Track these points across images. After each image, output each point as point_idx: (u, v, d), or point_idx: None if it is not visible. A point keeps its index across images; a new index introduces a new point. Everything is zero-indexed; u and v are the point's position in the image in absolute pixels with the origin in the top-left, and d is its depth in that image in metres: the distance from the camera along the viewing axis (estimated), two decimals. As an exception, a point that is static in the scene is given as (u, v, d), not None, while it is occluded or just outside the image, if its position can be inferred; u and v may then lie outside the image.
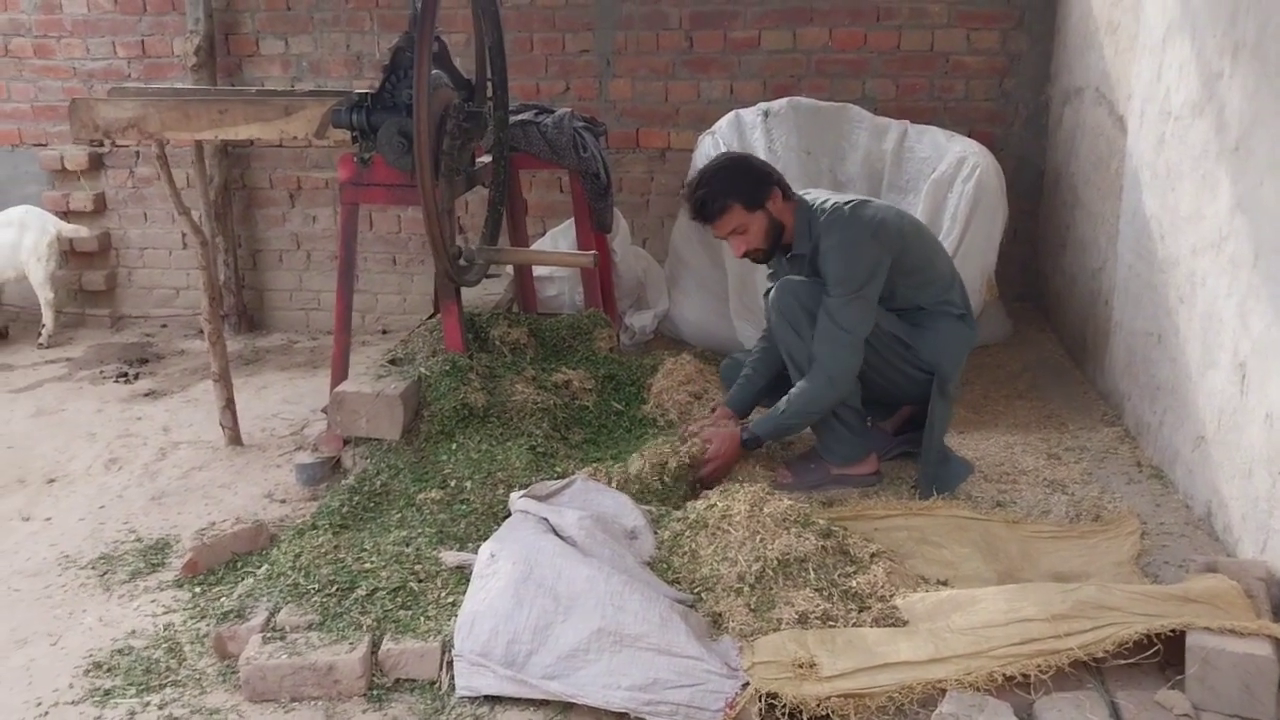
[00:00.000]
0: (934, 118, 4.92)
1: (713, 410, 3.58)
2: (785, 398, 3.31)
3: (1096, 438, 3.72)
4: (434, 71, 3.42)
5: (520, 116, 4.25)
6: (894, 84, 5.13)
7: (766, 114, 4.62)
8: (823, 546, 2.68)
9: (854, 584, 2.62)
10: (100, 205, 5.61)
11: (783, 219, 3.33)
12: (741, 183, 3.27)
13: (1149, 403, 3.57)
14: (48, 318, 5.33)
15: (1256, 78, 2.80)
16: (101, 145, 5.44)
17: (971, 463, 3.43)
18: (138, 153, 5.52)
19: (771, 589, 2.58)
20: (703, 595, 2.62)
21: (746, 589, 2.59)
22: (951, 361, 3.37)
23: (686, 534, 2.82)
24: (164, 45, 5.42)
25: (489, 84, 3.95)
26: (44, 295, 5.27)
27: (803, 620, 2.49)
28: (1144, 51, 3.70)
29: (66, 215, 5.56)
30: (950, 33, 5.05)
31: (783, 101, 4.69)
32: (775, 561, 2.62)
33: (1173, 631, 2.29)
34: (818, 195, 3.40)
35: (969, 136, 4.65)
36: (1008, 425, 3.85)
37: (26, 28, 5.47)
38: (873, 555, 2.75)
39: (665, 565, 2.76)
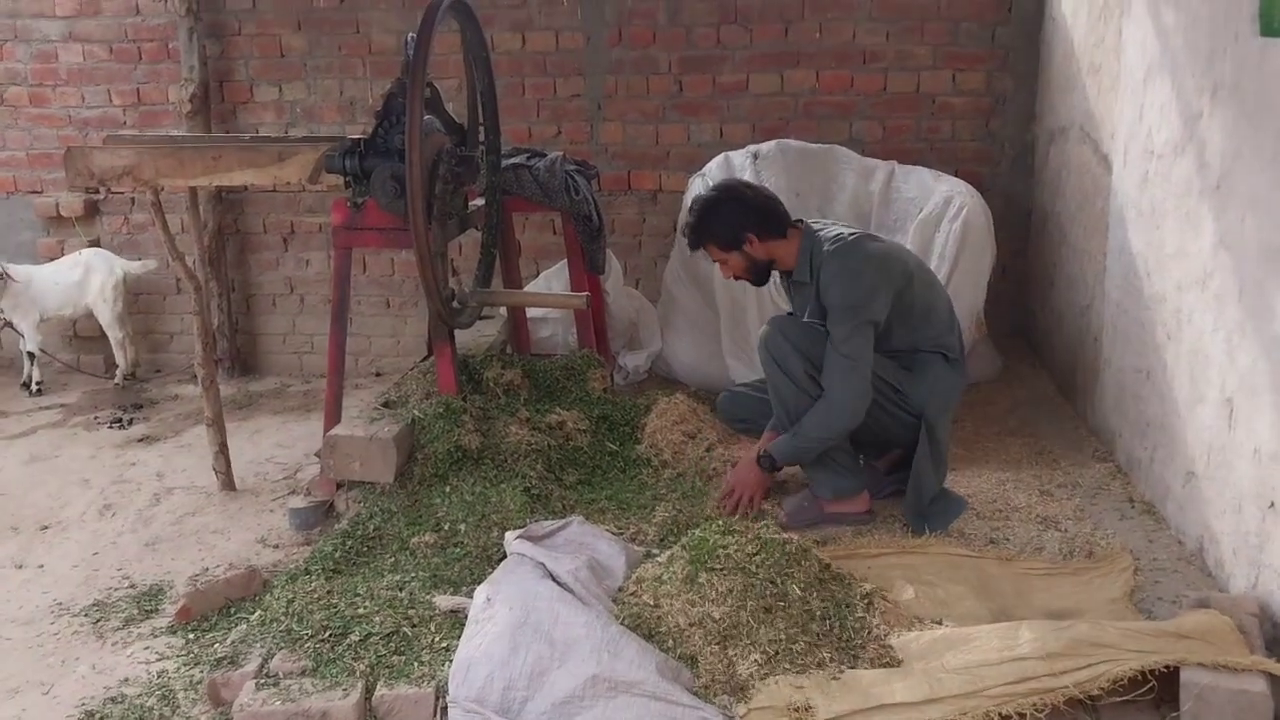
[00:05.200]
0: (921, 158, 4.98)
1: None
2: (798, 423, 3.31)
3: (1088, 474, 3.73)
4: (426, 117, 3.46)
5: (512, 160, 4.30)
6: (881, 125, 5.19)
7: (755, 156, 4.67)
8: (818, 585, 2.68)
9: (848, 624, 2.63)
10: (95, 251, 5.63)
11: (771, 255, 3.36)
12: (715, 225, 3.34)
13: (1139, 439, 3.58)
14: (119, 357, 5.41)
15: (1235, 117, 2.85)
16: (97, 192, 5.48)
17: (965, 500, 3.44)
18: (133, 199, 5.55)
19: (761, 631, 2.57)
20: (688, 638, 2.61)
21: (736, 634, 2.58)
22: (940, 407, 3.37)
23: (674, 571, 2.79)
24: (159, 93, 5.47)
25: (481, 129, 3.99)
26: (114, 335, 5.36)
27: (793, 662, 2.49)
28: (1126, 92, 3.76)
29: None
30: (936, 74, 5.12)
31: (771, 144, 4.74)
32: (763, 605, 2.62)
33: (1167, 668, 2.30)
34: (827, 226, 3.43)
35: (956, 176, 4.70)
36: (999, 462, 3.86)
37: (22, 76, 5.52)
38: (866, 594, 2.75)
39: (651, 605, 2.72)
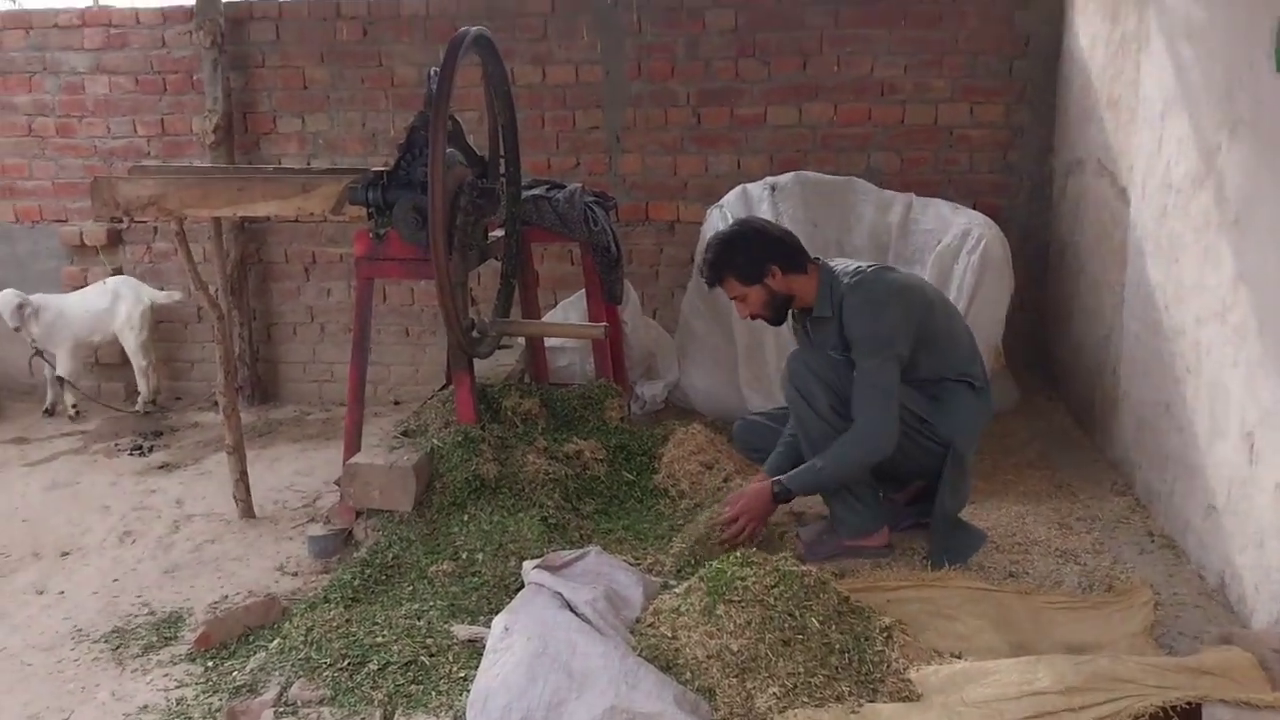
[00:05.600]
0: (939, 190, 5.00)
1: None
2: (822, 454, 3.26)
3: (1107, 507, 3.71)
4: (449, 149, 3.50)
5: (532, 192, 4.34)
6: (899, 157, 5.22)
7: (773, 188, 4.69)
8: (837, 617, 2.67)
9: (867, 657, 2.62)
10: (117, 280, 5.70)
11: (791, 289, 3.35)
12: (738, 259, 3.32)
13: (1159, 472, 3.57)
14: (142, 385, 5.49)
15: (1254, 152, 2.86)
16: (121, 222, 5.54)
17: (984, 533, 3.42)
18: (155, 228, 5.61)
19: (779, 663, 2.57)
20: (706, 670, 2.60)
21: (754, 667, 2.57)
22: (968, 436, 3.35)
23: (691, 602, 2.78)
24: (183, 124, 5.54)
25: (502, 161, 4.03)
26: (138, 362, 5.44)
27: (812, 695, 2.48)
28: (1144, 125, 3.77)
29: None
30: (954, 107, 5.14)
31: (789, 175, 4.77)
32: (782, 637, 2.61)
33: (1188, 704, 2.27)
34: (844, 262, 3.43)
35: (974, 208, 4.72)
36: (1018, 494, 3.85)
37: (50, 108, 5.61)
38: (885, 628, 2.74)
39: (669, 637, 2.72)
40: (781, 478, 3.33)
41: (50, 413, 5.42)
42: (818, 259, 3.41)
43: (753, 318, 3.46)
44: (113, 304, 5.34)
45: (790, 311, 3.47)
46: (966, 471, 3.38)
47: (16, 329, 5.25)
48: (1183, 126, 3.39)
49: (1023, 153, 5.18)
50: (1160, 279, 3.57)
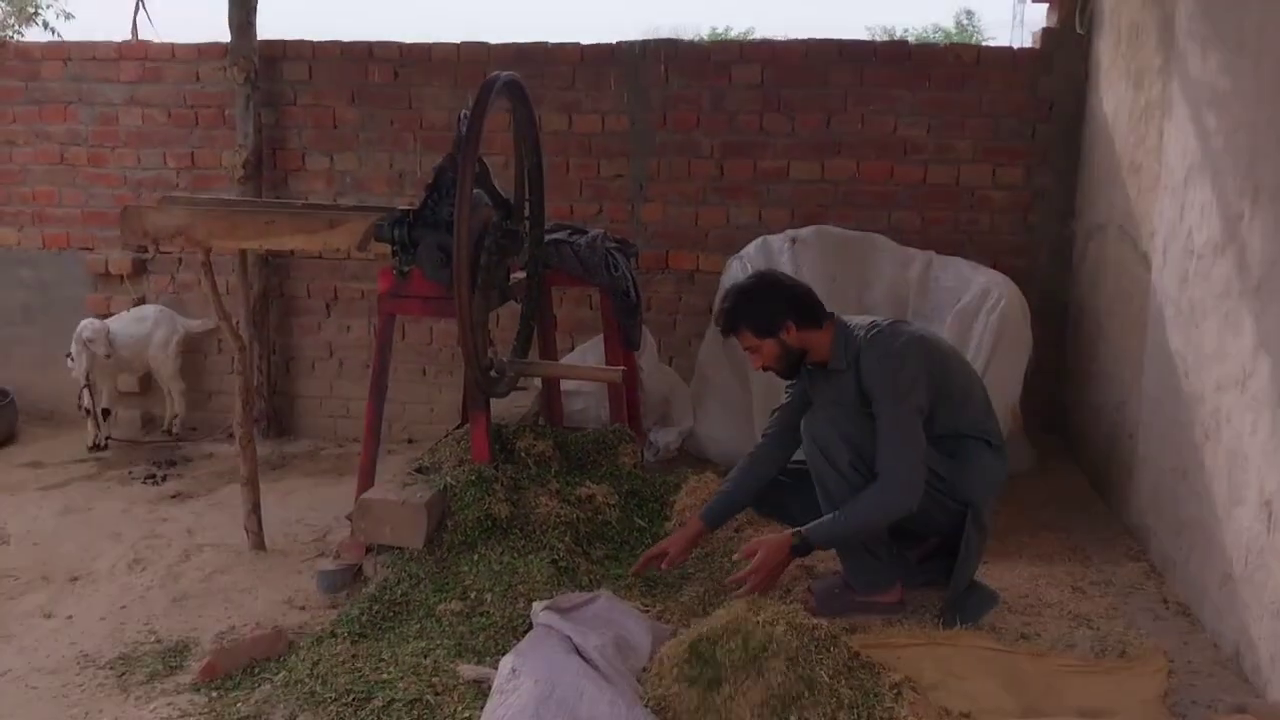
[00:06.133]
0: (959, 249, 5.01)
1: (680, 523, 3.66)
2: (845, 505, 3.20)
3: (1121, 572, 3.68)
4: (475, 191, 3.54)
5: (555, 236, 4.38)
6: (920, 215, 5.24)
7: (794, 240, 4.72)
8: (847, 673, 2.65)
9: (876, 714, 2.59)
10: (140, 308, 5.75)
11: (805, 344, 3.34)
12: (753, 311, 3.31)
13: (1175, 538, 3.54)
14: (179, 407, 5.55)
15: (1277, 220, 2.87)
16: (146, 251, 5.61)
17: (998, 593, 3.39)
18: (180, 259, 5.67)
19: (789, 717, 2.54)
20: None
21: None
22: (986, 494, 3.32)
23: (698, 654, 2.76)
24: (213, 157, 5.62)
25: (526, 204, 4.07)
26: (173, 388, 5.52)
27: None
28: (1166, 192, 3.79)
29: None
30: (976, 168, 5.18)
31: (810, 229, 4.80)
32: (791, 692, 2.58)
33: (1202, 774, 2.24)
34: (858, 319, 3.42)
35: (994, 268, 4.72)
36: (1032, 556, 3.82)
37: (83, 138, 5.69)
38: (895, 684, 2.72)
39: (675, 687, 2.68)
40: (802, 529, 3.25)
41: (100, 447, 5.36)
42: (834, 314, 3.41)
43: (765, 369, 3.45)
44: (151, 331, 5.40)
45: (810, 370, 3.45)
46: (987, 532, 3.35)
47: (108, 356, 5.24)
48: (1205, 193, 3.41)
49: (1044, 215, 5.20)
50: (1180, 345, 3.57)
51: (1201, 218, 3.43)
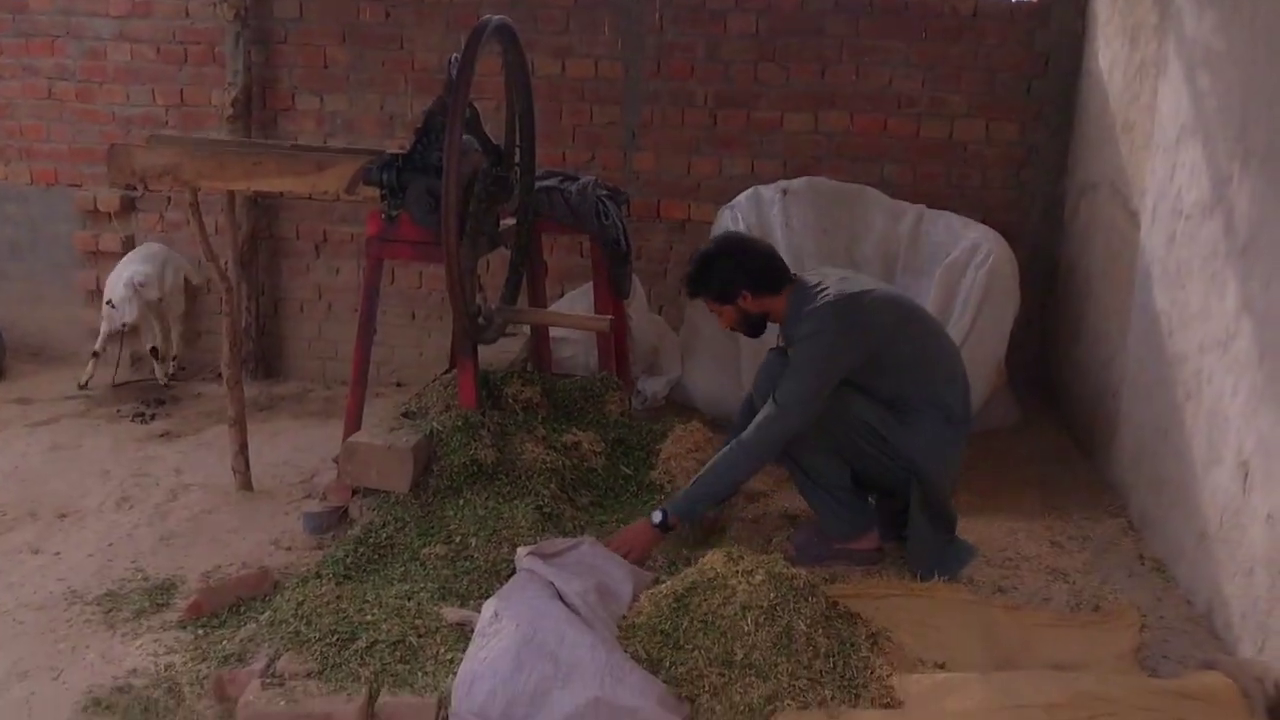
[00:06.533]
0: (950, 204, 5.00)
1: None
2: (703, 472, 3.32)
3: (1100, 528, 3.73)
4: (465, 136, 3.51)
5: (545, 183, 4.35)
6: (912, 170, 5.23)
7: (785, 192, 4.71)
8: (824, 622, 2.69)
9: (852, 662, 2.64)
10: (129, 247, 5.70)
11: (764, 309, 3.40)
12: (711, 279, 3.40)
13: (1154, 496, 3.59)
14: (178, 347, 5.49)
15: (1265, 184, 2.87)
16: (135, 190, 5.56)
17: (975, 547, 3.43)
18: (169, 198, 5.63)
19: (763, 667, 2.58)
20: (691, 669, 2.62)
21: (735, 668, 2.59)
22: (931, 462, 3.30)
23: (681, 599, 2.80)
24: (202, 95, 5.55)
25: (517, 150, 4.05)
26: (177, 328, 5.44)
27: (795, 698, 2.50)
28: (1158, 151, 3.79)
29: (96, 256, 5.68)
30: (969, 123, 5.15)
31: (802, 180, 4.79)
32: (768, 640, 2.62)
33: (1167, 726, 2.29)
34: (826, 278, 3.39)
35: (984, 224, 4.72)
36: (1011, 511, 3.86)
37: (71, 73, 5.62)
38: (871, 634, 2.76)
39: (655, 631, 2.74)
40: (666, 505, 3.30)
41: (167, 385, 5.31)
42: (796, 276, 3.41)
43: (730, 329, 3.53)
44: (162, 269, 5.32)
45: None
46: (940, 500, 3.33)
47: (160, 299, 5.20)
48: (1196, 154, 3.40)
49: (1036, 171, 5.19)
50: (1166, 305, 3.59)
51: (1191, 178, 3.42)
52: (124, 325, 5.18)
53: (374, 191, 3.66)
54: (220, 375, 4.20)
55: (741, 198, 4.75)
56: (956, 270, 4.45)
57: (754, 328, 3.48)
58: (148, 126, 5.48)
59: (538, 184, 4.27)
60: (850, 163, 5.22)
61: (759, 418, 3.28)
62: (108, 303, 5.15)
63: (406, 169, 3.58)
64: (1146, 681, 2.53)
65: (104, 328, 5.22)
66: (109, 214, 5.71)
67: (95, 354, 5.28)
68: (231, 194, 3.92)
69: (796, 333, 3.30)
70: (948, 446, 3.36)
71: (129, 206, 5.73)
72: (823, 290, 3.33)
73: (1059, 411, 4.99)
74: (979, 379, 4.06)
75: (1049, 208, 5.20)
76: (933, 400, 3.35)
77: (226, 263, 3.97)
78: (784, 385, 3.25)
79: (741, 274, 3.37)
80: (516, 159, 4.05)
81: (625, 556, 3.19)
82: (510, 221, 4.13)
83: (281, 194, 5.40)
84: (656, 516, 3.26)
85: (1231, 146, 3.11)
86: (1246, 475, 2.85)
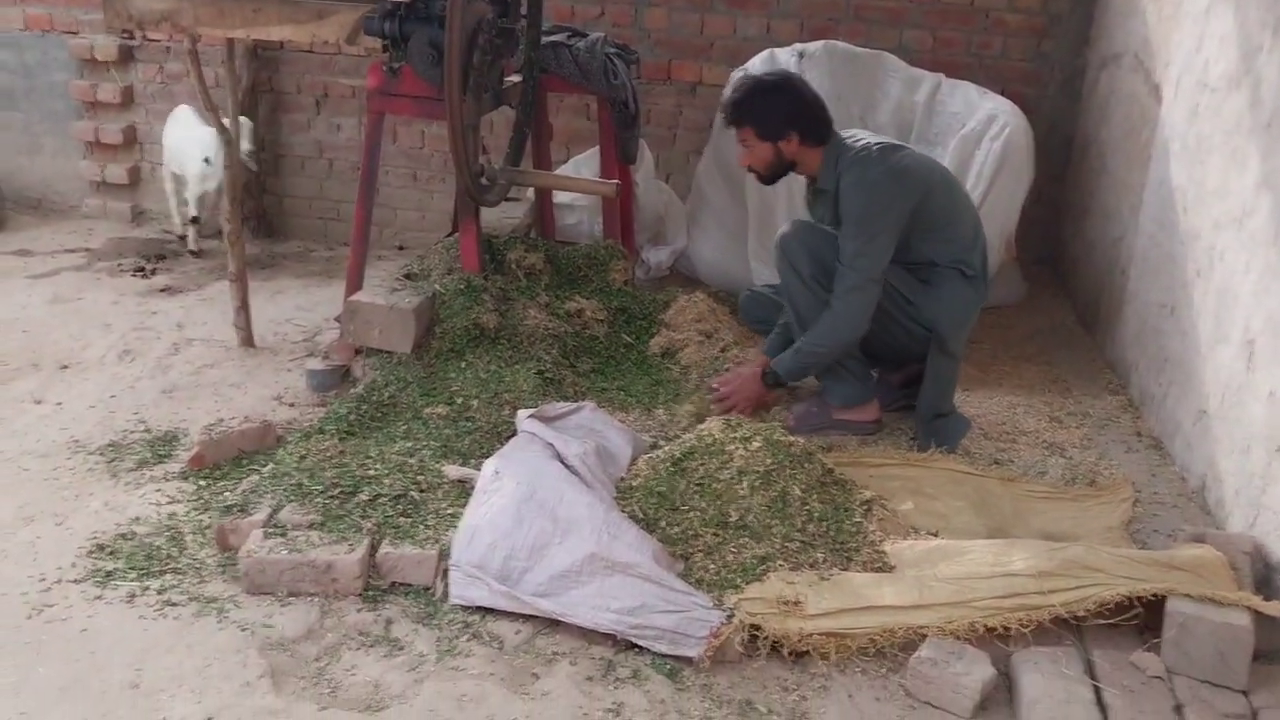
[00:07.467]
0: (969, 73, 4.86)
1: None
2: (803, 337, 3.34)
3: (1099, 405, 3.74)
4: (469, -15, 3.39)
5: (553, 38, 4.22)
6: (931, 36, 5.07)
7: (801, 55, 4.57)
8: (819, 488, 2.72)
9: (845, 527, 2.67)
10: (128, 98, 5.59)
11: (797, 158, 3.33)
12: (763, 111, 3.28)
13: (1155, 374, 3.58)
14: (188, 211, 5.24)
15: (1297, 54, 2.77)
16: (132, 37, 5.42)
17: (969, 418, 3.44)
18: (168, 48, 5.48)
19: (757, 529, 2.62)
20: (687, 529, 2.66)
21: (730, 529, 2.62)
22: (953, 322, 3.34)
23: (678, 463, 2.82)
24: (199, -60, 5.35)
25: (523, 2, 3.91)
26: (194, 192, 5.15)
27: (788, 559, 2.54)
28: (1186, 20, 3.66)
29: (94, 106, 5.56)
30: (992, -13, 4.98)
31: (819, 44, 4.64)
32: (763, 502, 2.65)
33: (1154, 596, 2.33)
34: (857, 135, 3.38)
35: (1002, 95, 4.60)
36: (1012, 386, 3.87)
37: (63, -88, 5.42)
38: (866, 501, 2.79)
39: (653, 493, 2.77)
40: (772, 362, 3.37)
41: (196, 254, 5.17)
42: (835, 132, 3.35)
43: (749, 169, 3.43)
44: (193, 133, 5.02)
45: (809, 184, 3.45)
46: (954, 360, 3.39)
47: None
48: (1226, 24, 3.28)
49: (1058, 42, 5.03)
50: (1183, 181, 3.51)
51: (1220, 49, 3.31)
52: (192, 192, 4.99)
53: (376, 43, 3.55)
54: (220, 231, 4.15)
55: (756, 60, 4.61)
56: (971, 142, 4.36)
57: (775, 175, 3.40)
58: (143, -28, 5.29)
59: (544, 39, 4.14)
60: (869, 26, 5.05)
61: (840, 288, 3.23)
62: (205, 160, 4.91)
63: (409, 19, 3.46)
64: (1135, 552, 2.56)
65: (194, 189, 5.01)
66: (107, 64, 5.56)
67: (195, 219, 5.11)
68: (231, 43, 3.81)
69: (843, 180, 3.24)
70: (968, 306, 3.39)
71: (128, 56, 5.58)
72: (863, 143, 3.30)
73: (1066, 288, 4.95)
74: (988, 252, 4.00)
75: (1069, 80, 5.05)
76: (955, 261, 3.35)
77: (226, 115, 3.88)
78: (852, 248, 3.20)
79: (797, 115, 3.28)
80: (523, 10, 3.92)
81: (729, 399, 3.31)
82: (515, 78, 4.02)
83: (282, 45, 5.26)
84: (768, 373, 3.33)
85: (1263, 15, 2.99)
86: (1252, 353, 2.83)
